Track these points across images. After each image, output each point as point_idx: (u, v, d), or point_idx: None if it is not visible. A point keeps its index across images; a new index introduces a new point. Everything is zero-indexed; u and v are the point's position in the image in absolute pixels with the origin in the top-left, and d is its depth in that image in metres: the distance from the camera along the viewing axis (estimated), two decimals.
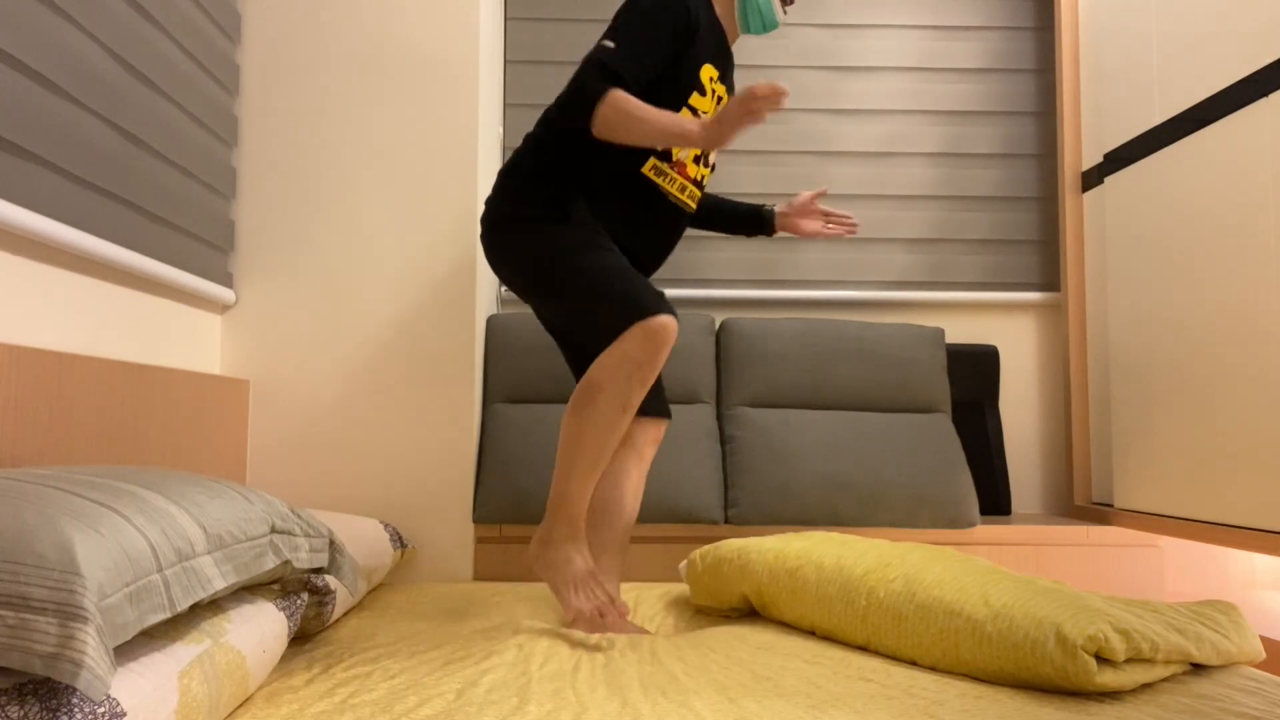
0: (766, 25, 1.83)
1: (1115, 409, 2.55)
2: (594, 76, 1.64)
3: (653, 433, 1.90)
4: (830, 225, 2.03)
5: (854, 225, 2.02)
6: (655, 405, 1.91)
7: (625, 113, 1.60)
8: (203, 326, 2.25)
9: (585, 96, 1.63)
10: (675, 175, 1.78)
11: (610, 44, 1.67)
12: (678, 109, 1.73)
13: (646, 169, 1.77)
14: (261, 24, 2.41)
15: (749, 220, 2.06)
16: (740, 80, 3.00)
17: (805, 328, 2.66)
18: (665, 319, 1.58)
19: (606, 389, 1.58)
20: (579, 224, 1.71)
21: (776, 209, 2.07)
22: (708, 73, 1.76)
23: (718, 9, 1.85)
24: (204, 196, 2.19)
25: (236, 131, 2.38)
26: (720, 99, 1.83)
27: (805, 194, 2.03)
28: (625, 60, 1.65)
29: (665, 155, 1.76)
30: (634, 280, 1.64)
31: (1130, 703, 1.25)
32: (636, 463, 1.88)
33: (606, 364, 1.58)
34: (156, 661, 0.99)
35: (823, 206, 2.02)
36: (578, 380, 1.92)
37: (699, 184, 1.86)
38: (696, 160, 1.82)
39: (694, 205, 1.87)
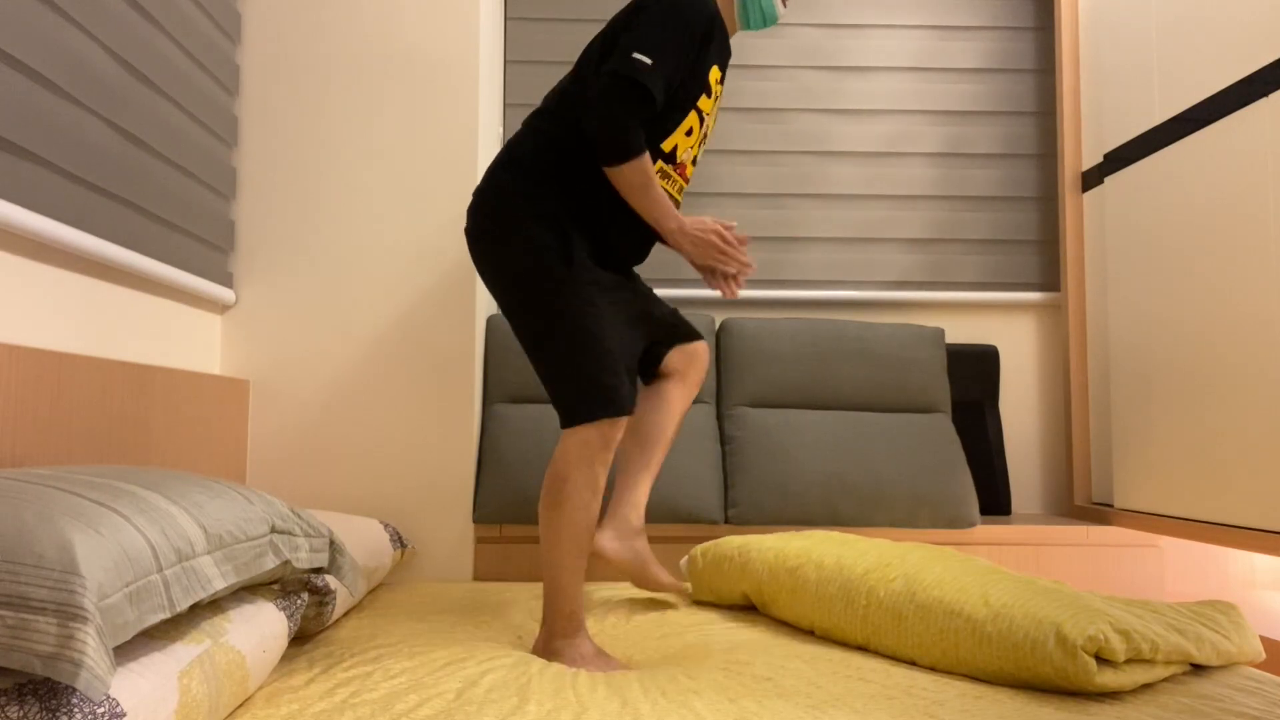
0: (767, 20, 1.83)
1: (1115, 409, 2.55)
2: (629, 99, 1.58)
3: (689, 352, 1.94)
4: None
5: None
6: (680, 332, 1.94)
7: (646, 181, 1.63)
8: (203, 326, 2.25)
9: (624, 140, 1.59)
10: (677, 177, 1.78)
11: (644, 59, 1.58)
12: (685, 115, 1.72)
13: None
14: (261, 24, 2.41)
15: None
16: (742, 80, 2.99)
17: (805, 328, 2.66)
18: (622, 421, 1.64)
19: (573, 477, 1.61)
20: (575, 264, 1.64)
21: None
22: (714, 75, 1.76)
23: (719, 6, 1.83)
24: (204, 196, 2.19)
25: (236, 131, 2.38)
26: (717, 98, 1.83)
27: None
28: (658, 82, 1.59)
29: (671, 158, 1.75)
30: (611, 363, 1.62)
31: (1130, 703, 1.25)
32: (680, 385, 1.92)
33: (568, 454, 1.61)
34: (156, 661, 0.99)
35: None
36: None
37: (688, 181, 1.89)
38: (693, 161, 1.83)
39: (680, 201, 1.88)
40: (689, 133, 1.75)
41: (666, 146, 1.72)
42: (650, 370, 1.93)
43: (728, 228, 1.73)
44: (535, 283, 1.62)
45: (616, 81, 1.57)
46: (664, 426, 1.90)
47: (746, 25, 1.84)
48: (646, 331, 1.84)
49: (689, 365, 1.94)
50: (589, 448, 1.61)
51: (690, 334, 1.95)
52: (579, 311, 1.61)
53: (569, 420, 1.62)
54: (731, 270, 1.70)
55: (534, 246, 1.63)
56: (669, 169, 1.75)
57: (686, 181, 1.84)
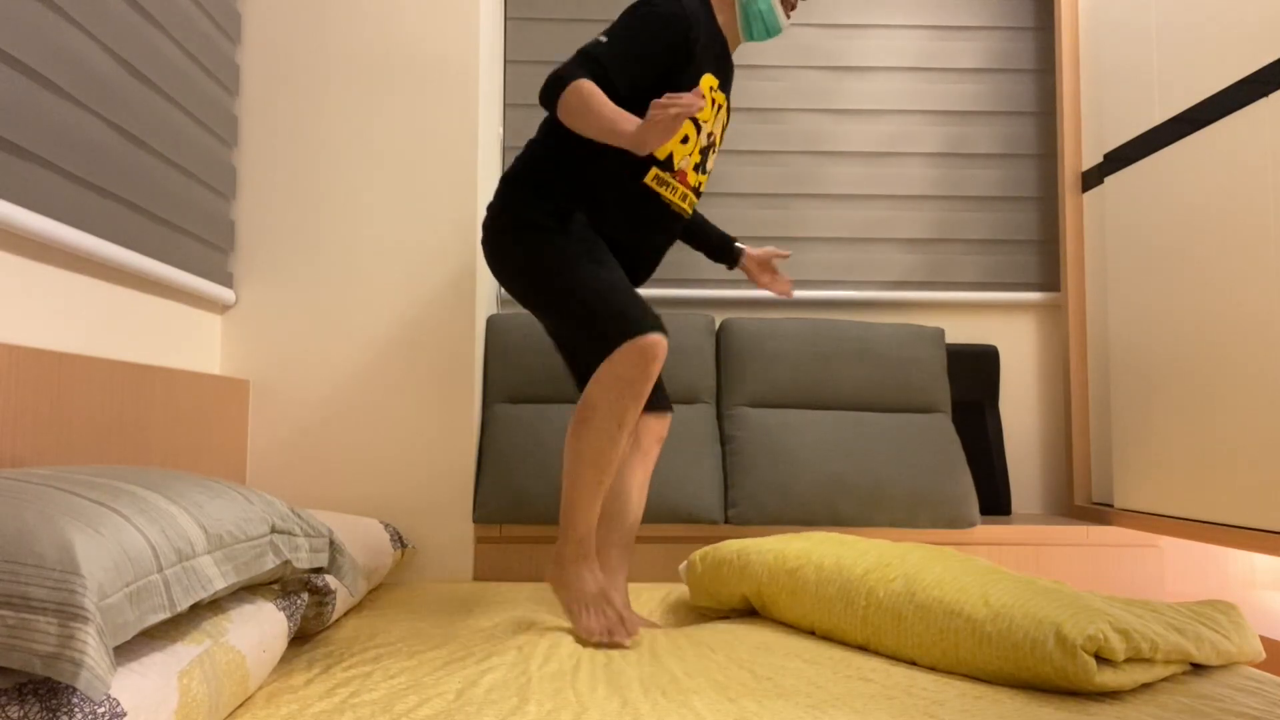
0: (770, 31, 1.84)
1: (1115, 409, 2.55)
2: (575, 62, 1.66)
3: (655, 429, 1.91)
4: (776, 284, 2.08)
5: (789, 289, 2.09)
6: (656, 400, 1.92)
7: (584, 100, 1.59)
8: (203, 326, 2.25)
9: (559, 77, 1.63)
10: (677, 184, 1.79)
11: (604, 39, 1.68)
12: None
13: (649, 179, 1.77)
14: (261, 24, 2.41)
15: (719, 247, 2.09)
16: (742, 80, 3.00)
17: (805, 328, 2.66)
18: (654, 337, 1.61)
19: (601, 408, 1.62)
20: (578, 237, 1.72)
21: (744, 250, 2.10)
22: (708, 82, 1.77)
23: (720, 18, 1.85)
24: (204, 196, 2.19)
25: (236, 131, 2.38)
26: (721, 107, 1.84)
27: (770, 249, 2.08)
28: (613, 57, 1.66)
29: (667, 165, 1.76)
30: (626, 296, 1.66)
31: (1130, 703, 1.25)
32: (640, 460, 1.89)
33: (600, 383, 1.62)
34: (156, 661, 0.99)
35: (778, 265, 2.06)
36: (577, 384, 1.92)
37: (697, 191, 1.88)
38: (696, 169, 1.83)
39: (690, 211, 1.89)
40: (684, 140, 1.77)
41: (661, 154, 1.76)
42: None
43: (671, 97, 1.56)
44: (540, 255, 1.71)
45: (575, 54, 1.69)
46: (627, 499, 1.85)
47: (750, 37, 1.85)
48: None
49: (652, 442, 1.90)
50: (620, 380, 1.61)
51: (665, 404, 1.93)
52: (584, 264, 1.69)
53: (600, 352, 1.65)
54: (693, 111, 1.51)
55: (537, 230, 1.72)
56: (666, 175, 1.77)
57: (692, 190, 1.84)
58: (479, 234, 2.41)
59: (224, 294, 2.27)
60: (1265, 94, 1.99)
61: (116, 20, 1.77)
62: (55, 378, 1.53)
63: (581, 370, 1.92)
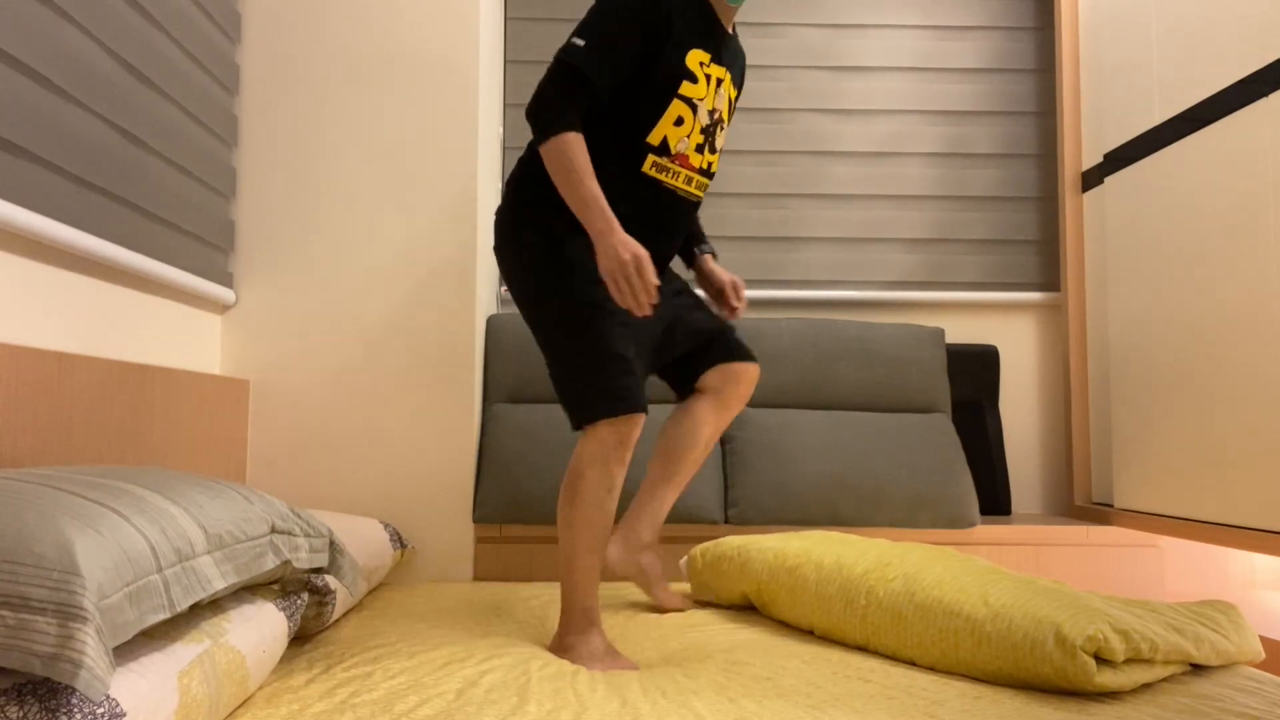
0: None
1: (1115, 409, 2.55)
2: (560, 79, 1.60)
3: (728, 372, 1.87)
4: (719, 305, 1.95)
5: (730, 315, 1.93)
6: (721, 350, 1.87)
7: (566, 164, 1.57)
8: (203, 326, 2.25)
9: (543, 108, 1.60)
10: (678, 168, 1.73)
11: (580, 41, 1.62)
12: (665, 104, 1.67)
13: (647, 168, 1.71)
14: (261, 24, 2.41)
15: (685, 248, 1.97)
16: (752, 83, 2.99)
17: (805, 328, 2.66)
18: (633, 419, 1.61)
19: (587, 475, 1.62)
20: (577, 269, 1.65)
21: (702, 263, 1.94)
22: (696, 58, 1.70)
23: None
24: (204, 196, 2.19)
25: (236, 131, 2.38)
26: (720, 82, 1.74)
27: (733, 282, 1.92)
28: (593, 62, 1.61)
29: (663, 150, 1.70)
30: (618, 363, 1.62)
31: (1130, 703, 1.25)
32: (711, 404, 1.87)
33: (585, 452, 1.62)
34: (156, 661, 0.99)
35: (731, 297, 1.92)
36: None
37: (706, 172, 1.79)
38: (700, 149, 1.75)
39: (701, 194, 1.81)
40: (679, 122, 1.70)
41: (654, 139, 1.69)
42: (686, 384, 1.89)
43: (649, 279, 1.55)
44: (540, 294, 1.67)
45: (555, 64, 1.63)
46: (686, 444, 1.86)
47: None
48: (676, 339, 1.84)
49: (725, 384, 1.87)
50: (603, 446, 1.61)
51: (733, 353, 1.88)
52: (584, 315, 1.63)
53: (580, 420, 1.63)
54: (622, 302, 1.54)
55: (535, 257, 1.67)
56: (664, 161, 1.71)
57: (698, 173, 1.76)
58: (479, 233, 2.42)
59: (224, 294, 2.27)
60: (1265, 94, 1.99)
61: (116, 20, 1.77)
62: (55, 378, 1.53)
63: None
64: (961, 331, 2.97)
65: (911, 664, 1.47)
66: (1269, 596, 2.55)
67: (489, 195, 2.60)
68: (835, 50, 3.01)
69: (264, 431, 2.35)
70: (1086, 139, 2.81)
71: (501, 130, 2.88)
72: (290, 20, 2.41)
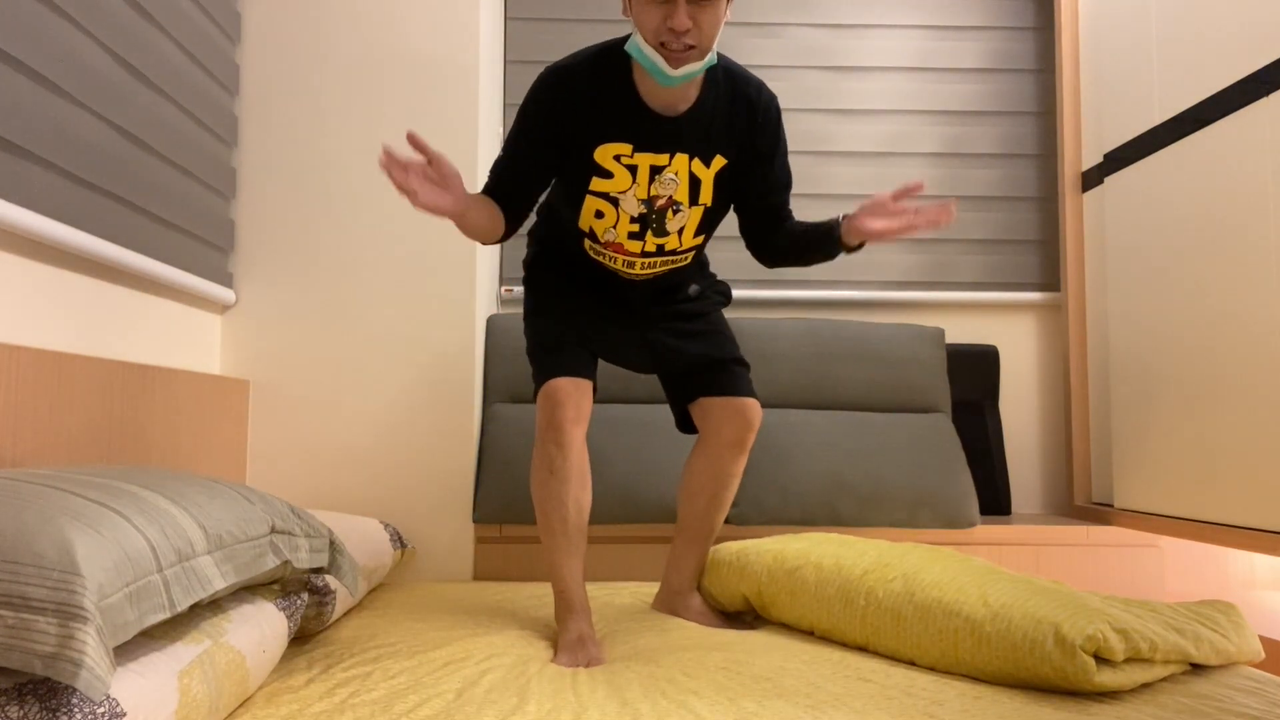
0: (660, 78, 1.54)
1: (1115, 409, 2.55)
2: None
3: (709, 408, 1.78)
4: (902, 221, 1.62)
5: (928, 219, 1.60)
6: (701, 383, 1.80)
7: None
8: (203, 326, 2.25)
9: None
10: (612, 253, 1.72)
11: (502, 154, 1.69)
12: (580, 199, 1.66)
13: (585, 247, 1.74)
14: (261, 24, 2.41)
15: (818, 241, 1.76)
16: None
17: (805, 328, 2.66)
18: (554, 383, 1.66)
19: (533, 458, 1.68)
20: (538, 286, 1.81)
21: (847, 229, 1.68)
22: (611, 151, 1.61)
23: (638, 78, 1.61)
24: (204, 196, 2.19)
25: (236, 131, 2.38)
26: (658, 169, 1.63)
27: (884, 194, 1.64)
28: (494, 170, 1.68)
29: (593, 236, 1.70)
30: (551, 344, 1.72)
31: (1129, 702, 1.25)
32: (703, 454, 1.82)
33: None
34: (156, 661, 0.99)
35: (905, 204, 1.62)
36: None
37: (661, 251, 1.72)
38: (635, 236, 1.68)
39: (651, 274, 1.76)
40: (599, 215, 1.66)
41: (583, 226, 1.72)
42: (677, 412, 1.88)
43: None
44: (526, 303, 1.83)
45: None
46: (684, 497, 1.86)
47: (659, 82, 1.58)
48: (650, 358, 1.84)
49: (705, 425, 1.79)
50: (539, 429, 1.67)
51: (714, 386, 1.78)
52: (537, 319, 1.77)
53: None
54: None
55: (529, 281, 1.84)
56: (598, 246, 1.72)
57: (642, 256, 1.71)
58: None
59: (224, 294, 2.27)
60: (1265, 94, 1.99)
61: (116, 20, 1.77)
62: (55, 378, 1.53)
63: None
64: (961, 331, 2.97)
65: (911, 664, 1.47)
66: (1269, 596, 2.55)
67: None
68: (835, 50, 3.01)
69: (264, 431, 2.35)
70: (1086, 139, 2.81)
71: (501, 130, 2.88)
72: (290, 20, 2.41)
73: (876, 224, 1.62)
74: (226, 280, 2.34)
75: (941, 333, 2.71)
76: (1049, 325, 2.98)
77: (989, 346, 2.87)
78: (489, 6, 2.57)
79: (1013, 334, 2.98)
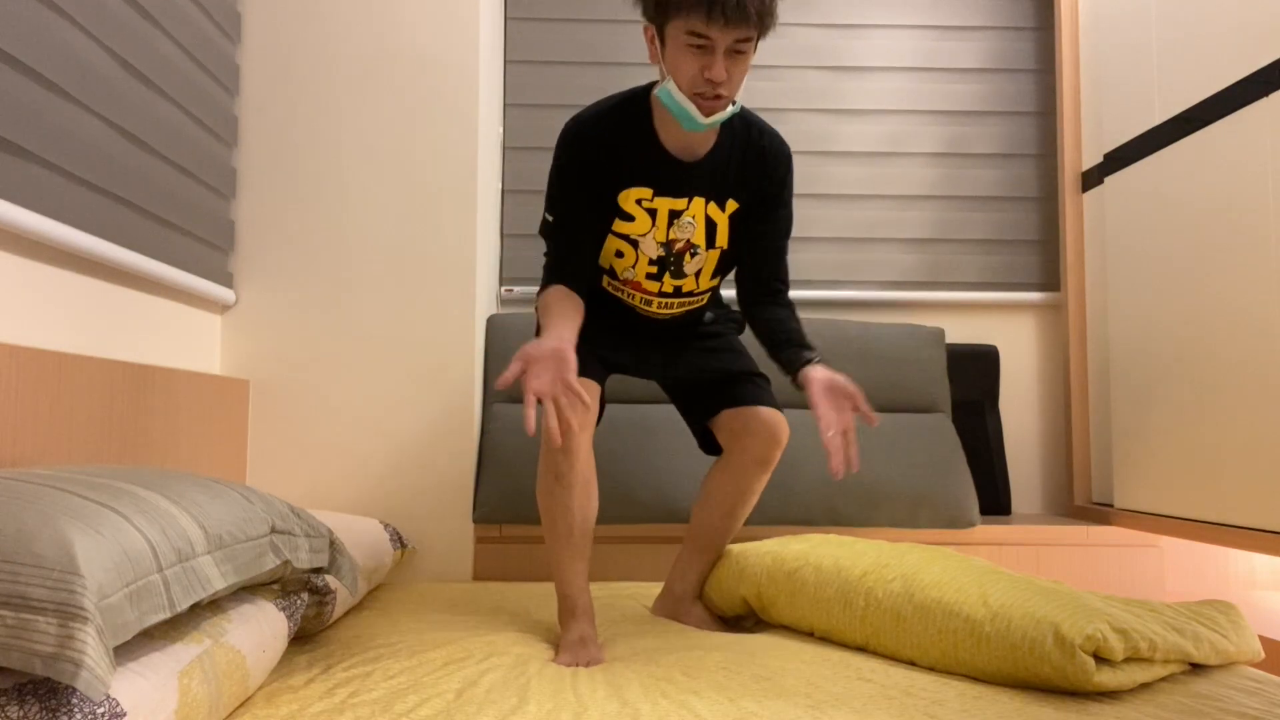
0: (689, 123, 1.59)
1: (1115, 409, 2.55)
2: (548, 257, 1.74)
3: (727, 420, 1.78)
4: (834, 415, 1.60)
5: (839, 461, 1.56)
6: (723, 397, 1.80)
7: (541, 307, 1.69)
8: (203, 326, 2.25)
9: (543, 275, 1.76)
10: (631, 290, 1.78)
11: (550, 216, 1.71)
12: (603, 239, 1.73)
13: (604, 284, 1.79)
14: (261, 24, 2.41)
15: (782, 356, 1.78)
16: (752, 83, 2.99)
17: (805, 328, 2.65)
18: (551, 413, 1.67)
19: (540, 465, 1.67)
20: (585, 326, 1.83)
21: (809, 372, 1.68)
22: (633, 196, 1.67)
23: (658, 120, 1.66)
24: (204, 196, 2.19)
25: (236, 131, 2.38)
26: (677, 213, 1.69)
27: (840, 381, 1.64)
28: (561, 244, 1.70)
29: (613, 274, 1.77)
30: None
31: (1129, 702, 1.25)
32: (723, 468, 1.82)
33: None
34: (156, 661, 0.99)
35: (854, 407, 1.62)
36: None
37: (679, 293, 1.77)
38: (653, 277, 1.74)
39: (671, 313, 1.80)
40: (619, 254, 1.73)
41: (604, 264, 1.77)
42: (695, 428, 1.89)
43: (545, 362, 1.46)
44: None
45: (545, 238, 1.77)
46: (699, 506, 1.86)
47: (686, 127, 1.62)
48: (666, 370, 1.87)
49: (729, 438, 1.79)
50: (544, 436, 1.67)
51: (736, 398, 1.78)
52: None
53: None
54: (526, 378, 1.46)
55: None
56: (617, 283, 1.78)
57: (659, 296, 1.77)
58: (478, 233, 2.42)
59: (224, 294, 2.27)
60: (1265, 94, 1.99)
61: (116, 20, 1.77)
62: (55, 378, 1.53)
63: None
64: (961, 331, 2.97)
65: (911, 664, 1.47)
66: (1269, 596, 2.55)
67: (489, 195, 2.60)
68: (835, 50, 3.01)
69: (264, 431, 2.35)
70: (1086, 139, 2.82)
71: (501, 130, 2.88)
72: (290, 20, 2.41)
73: (824, 405, 1.61)
74: (226, 280, 2.34)
75: (941, 333, 2.71)
76: (1049, 325, 2.98)
77: (989, 346, 2.87)
78: (489, 6, 2.57)
79: (1013, 334, 2.98)
